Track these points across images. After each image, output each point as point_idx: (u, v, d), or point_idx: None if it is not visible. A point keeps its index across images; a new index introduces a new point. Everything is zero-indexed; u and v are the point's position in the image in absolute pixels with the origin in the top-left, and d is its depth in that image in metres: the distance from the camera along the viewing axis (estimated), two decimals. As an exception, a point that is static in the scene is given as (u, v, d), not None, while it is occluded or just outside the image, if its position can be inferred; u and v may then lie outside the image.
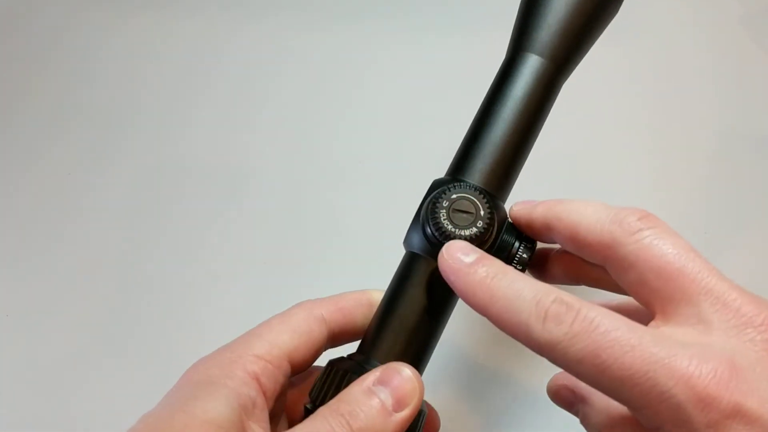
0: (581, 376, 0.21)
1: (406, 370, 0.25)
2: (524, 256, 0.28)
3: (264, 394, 0.25)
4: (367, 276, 0.42)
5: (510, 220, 0.29)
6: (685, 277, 0.21)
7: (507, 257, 0.27)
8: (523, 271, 0.28)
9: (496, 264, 0.24)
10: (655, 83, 0.47)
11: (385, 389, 0.24)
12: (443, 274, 0.25)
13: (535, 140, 0.30)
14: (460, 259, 0.24)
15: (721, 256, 0.44)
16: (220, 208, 0.45)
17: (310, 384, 0.28)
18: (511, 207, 0.29)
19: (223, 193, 0.46)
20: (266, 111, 0.48)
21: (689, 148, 0.46)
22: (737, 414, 0.18)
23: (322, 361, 0.28)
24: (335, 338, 0.29)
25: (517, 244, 0.28)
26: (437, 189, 0.28)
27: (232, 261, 0.44)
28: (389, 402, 0.24)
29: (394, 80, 0.49)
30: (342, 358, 0.28)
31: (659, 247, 0.22)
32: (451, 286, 0.24)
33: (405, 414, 0.24)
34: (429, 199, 0.28)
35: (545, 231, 0.27)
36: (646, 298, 0.22)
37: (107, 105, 0.47)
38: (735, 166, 0.46)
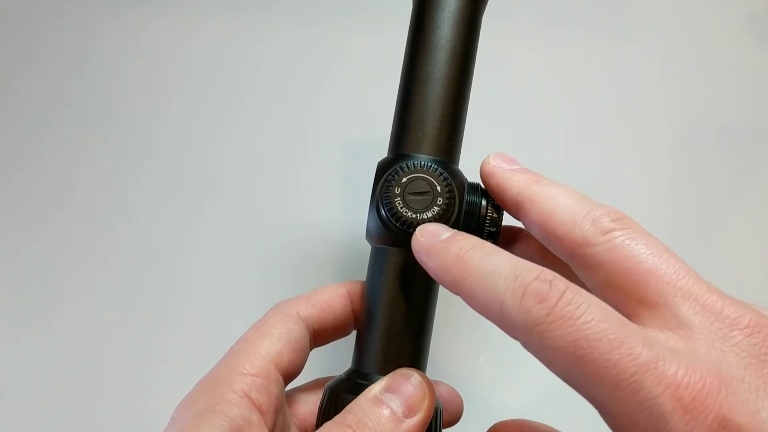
0: (554, 366, 0.19)
1: (415, 376, 0.24)
2: (495, 215, 0.26)
3: (259, 409, 0.23)
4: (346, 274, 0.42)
5: (473, 181, 0.26)
6: (658, 279, 0.20)
7: (477, 221, 0.26)
8: (497, 231, 0.26)
9: (471, 238, 0.22)
10: (657, 83, 0.47)
11: (394, 396, 0.23)
12: (416, 255, 0.23)
13: (471, 86, 0.27)
14: (434, 236, 0.23)
15: (713, 262, 0.44)
16: (211, 208, 0.45)
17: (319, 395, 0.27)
18: (486, 159, 0.26)
19: (210, 192, 0.45)
20: (247, 110, 0.47)
21: (691, 148, 0.46)
22: (724, 429, 0.17)
23: (324, 367, 0.28)
24: (317, 336, 0.28)
25: (484, 203, 0.26)
26: (384, 173, 0.25)
27: (224, 263, 0.44)
28: (400, 410, 0.23)
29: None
30: (340, 379, 0.26)
31: (631, 247, 0.21)
32: (424, 267, 0.23)
33: (417, 419, 0.23)
34: (379, 186, 0.25)
35: (513, 207, 0.25)
36: (614, 300, 0.21)
37: (93, 100, 0.47)
38: (737, 166, 0.46)
